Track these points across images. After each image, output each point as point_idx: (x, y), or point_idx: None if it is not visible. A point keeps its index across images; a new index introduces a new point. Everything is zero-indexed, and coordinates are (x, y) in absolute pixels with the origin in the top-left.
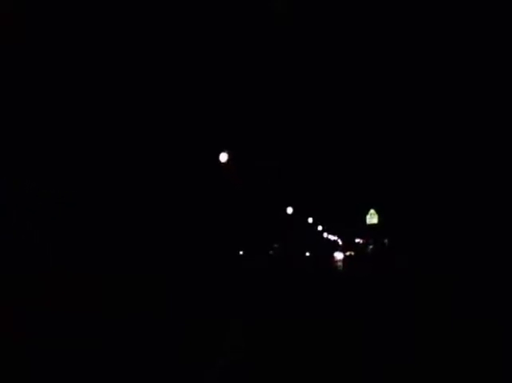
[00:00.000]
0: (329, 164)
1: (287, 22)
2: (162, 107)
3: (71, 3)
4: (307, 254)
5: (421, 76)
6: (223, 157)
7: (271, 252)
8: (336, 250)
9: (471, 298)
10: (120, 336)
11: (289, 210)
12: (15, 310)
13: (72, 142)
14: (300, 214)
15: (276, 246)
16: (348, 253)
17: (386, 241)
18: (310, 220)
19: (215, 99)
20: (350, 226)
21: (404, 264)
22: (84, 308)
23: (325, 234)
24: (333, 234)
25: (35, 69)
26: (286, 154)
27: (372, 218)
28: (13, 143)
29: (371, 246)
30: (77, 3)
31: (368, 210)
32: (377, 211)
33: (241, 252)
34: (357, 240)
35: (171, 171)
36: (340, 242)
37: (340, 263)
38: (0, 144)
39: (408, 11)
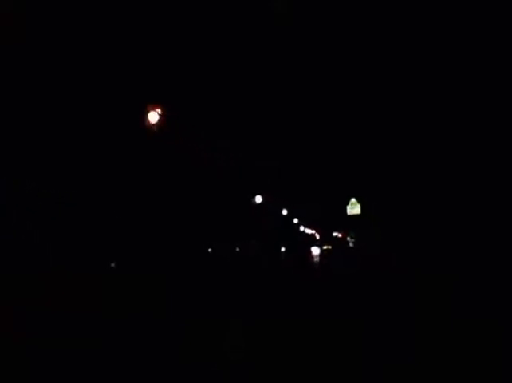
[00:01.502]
0: (303, 151)
1: (287, 22)
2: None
3: (70, 3)
4: (282, 249)
5: (409, 72)
6: (153, 117)
7: (238, 249)
8: (314, 244)
9: (472, 298)
10: (120, 336)
11: (258, 199)
12: (15, 310)
13: (71, 142)
14: (271, 204)
15: (245, 242)
16: (325, 247)
17: (373, 234)
18: (285, 212)
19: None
20: (328, 218)
21: (398, 261)
22: (84, 308)
23: (302, 228)
24: (310, 227)
25: (35, 69)
26: (255, 140)
27: (353, 208)
28: (13, 143)
29: (353, 240)
30: (77, 3)
31: (349, 199)
32: (359, 201)
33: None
34: (335, 234)
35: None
36: (318, 237)
37: (317, 259)
38: (0, 144)
39: (408, 11)
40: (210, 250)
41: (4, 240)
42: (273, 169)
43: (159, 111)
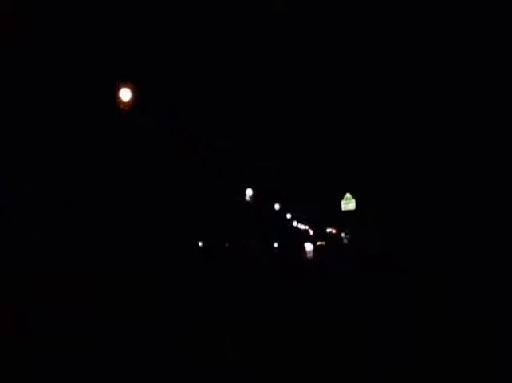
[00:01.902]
0: (296, 146)
1: (287, 22)
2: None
3: (70, 4)
4: (275, 245)
5: (405, 70)
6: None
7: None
8: (307, 240)
9: (472, 298)
10: (120, 336)
11: (249, 192)
12: (15, 310)
13: (71, 142)
14: (263, 198)
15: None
16: (319, 243)
17: (373, 233)
18: (277, 207)
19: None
20: (322, 213)
21: (398, 259)
22: (84, 308)
23: (295, 223)
24: (303, 223)
25: (35, 69)
26: (244, 132)
27: (347, 203)
28: (13, 143)
29: (347, 236)
30: (77, 4)
31: (343, 194)
32: (354, 196)
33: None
34: (329, 230)
35: None
36: (311, 233)
37: (310, 255)
38: (0, 144)
39: (408, 11)
40: (200, 244)
41: (4, 240)
42: (266, 166)
43: (131, 89)
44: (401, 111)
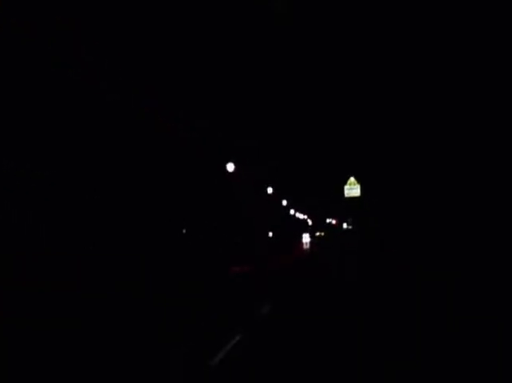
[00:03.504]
0: (295, 125)
1: (287, 22)
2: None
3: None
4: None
5: (408, 70)
6: None
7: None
8: (305, 231)
9: (473, 295)
10: (117, 334)
11: (230, 167)
12: (15, 310)
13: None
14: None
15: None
16: (317, 233)
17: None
18: (270, 190)
19: None
20: (322, 200)
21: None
22: (83, 306)
23: (292, 211)
24: (302, 212)
25: (34, 69)
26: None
27: (351, 189)
28: (12, 143)
29: (350, 227)
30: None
31: (347, 179)
32: (358, 181)
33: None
34: (329, 220)
35: None
36: (310, 223)
37: (307, 247)
38: (0, 143)
39: (408, 11)
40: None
41: (4, 239)
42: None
43: None
44: (406, 100)
